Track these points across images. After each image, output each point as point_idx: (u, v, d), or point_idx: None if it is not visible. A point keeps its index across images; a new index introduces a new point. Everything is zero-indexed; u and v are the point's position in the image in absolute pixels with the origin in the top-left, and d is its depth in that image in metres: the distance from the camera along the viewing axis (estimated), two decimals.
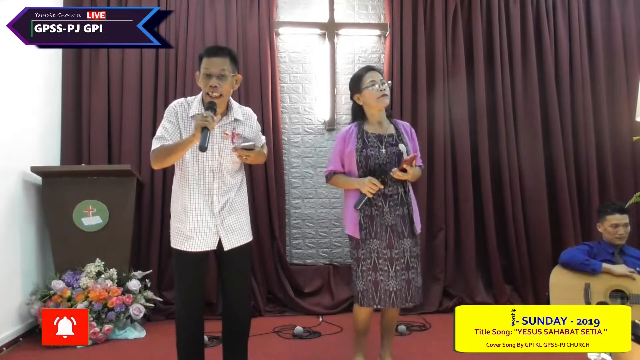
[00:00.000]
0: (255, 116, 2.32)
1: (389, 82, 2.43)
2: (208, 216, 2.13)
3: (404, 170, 2.29)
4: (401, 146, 2.38)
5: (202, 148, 1.93)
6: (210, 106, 2.03)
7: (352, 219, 2.40)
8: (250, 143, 2.14)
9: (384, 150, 2.39)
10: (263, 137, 2.38)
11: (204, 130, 1.93)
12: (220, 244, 2.15)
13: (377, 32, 4.20)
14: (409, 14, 4.04)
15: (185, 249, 2.14)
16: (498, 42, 4.05)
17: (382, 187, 2.31)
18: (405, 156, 2.34)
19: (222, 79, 2.08)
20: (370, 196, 2.32)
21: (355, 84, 2.46)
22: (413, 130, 2.56)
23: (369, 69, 2.47)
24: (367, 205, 2.36)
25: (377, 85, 2.39)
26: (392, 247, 2.34)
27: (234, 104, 2.23)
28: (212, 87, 2.07)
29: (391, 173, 2.30)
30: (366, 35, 4.23)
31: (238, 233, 2.18)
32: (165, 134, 2.11)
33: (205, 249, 2.15)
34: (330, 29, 4.12)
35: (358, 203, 2.34)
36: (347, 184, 2.43)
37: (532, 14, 4.14)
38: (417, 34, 4.05)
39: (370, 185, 2.29)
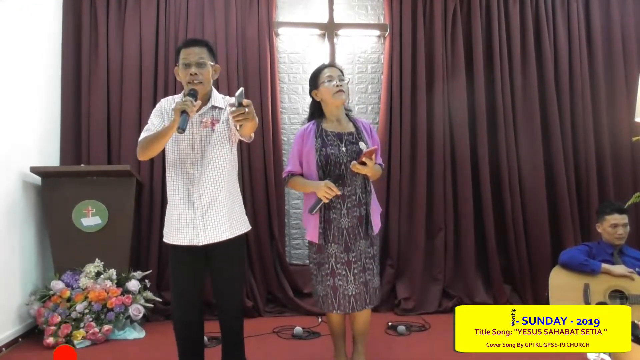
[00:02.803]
0: None
1: (347, 78, 2.39)
2: (187, 208, 2.11)
3: (364, 164, 2.21)
4: (361, 144, 2.31)
5: (180, 129, 1.94)
6: (190, 92, 2.04)
7: (311, 224, 2.34)
8: (240, 90, 1.96)
9: (344, 149, 2.33)
10: None
11: (183, 114, 1.95)
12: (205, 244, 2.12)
13: (377, 32, 4.20)
14: (408, 14, 4.04)
15: (168, 242, 2.16)
16: (497, 42, 4.05)
17: (339, 193, 2.22)
18: (364, 149, 2.26)
19: (201, 67, 2.11)
20: (326, 201, 2.25)
21: (313, 80, 2.41)
22: (373, 128, 2.51)
23: (327, 65, 2.42)
24: (325, 209, 2.30)
25: (334, 82, 2.33)
26: (349, 251, 2.30)
27: (217, 93, 2.22)
28: (192, 75, 2.09)
29: (350, 166, 2.23)
30: (366, 36, 4.23)
31: (219, 229, 2.12)
32: (151, 127, 2.14)
33: (183, 243, 2.11)
34: (329, 29, 4.12)
35: (313, 207, 2.26)
36: (304, 186, 2.35)
37: (532, 14, 4.14)
38: (416, 34, 4.05)
39: (326, 190, 2.20)
